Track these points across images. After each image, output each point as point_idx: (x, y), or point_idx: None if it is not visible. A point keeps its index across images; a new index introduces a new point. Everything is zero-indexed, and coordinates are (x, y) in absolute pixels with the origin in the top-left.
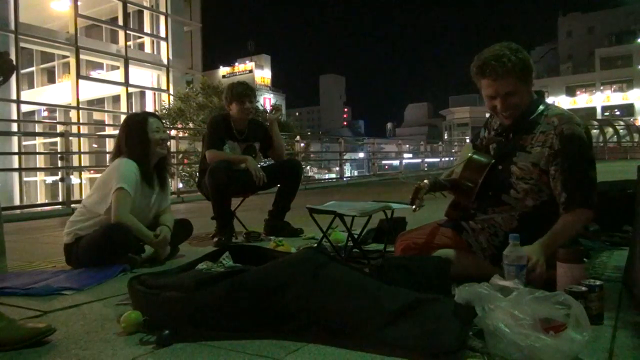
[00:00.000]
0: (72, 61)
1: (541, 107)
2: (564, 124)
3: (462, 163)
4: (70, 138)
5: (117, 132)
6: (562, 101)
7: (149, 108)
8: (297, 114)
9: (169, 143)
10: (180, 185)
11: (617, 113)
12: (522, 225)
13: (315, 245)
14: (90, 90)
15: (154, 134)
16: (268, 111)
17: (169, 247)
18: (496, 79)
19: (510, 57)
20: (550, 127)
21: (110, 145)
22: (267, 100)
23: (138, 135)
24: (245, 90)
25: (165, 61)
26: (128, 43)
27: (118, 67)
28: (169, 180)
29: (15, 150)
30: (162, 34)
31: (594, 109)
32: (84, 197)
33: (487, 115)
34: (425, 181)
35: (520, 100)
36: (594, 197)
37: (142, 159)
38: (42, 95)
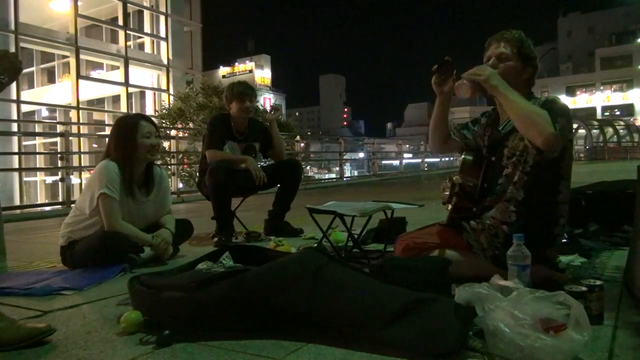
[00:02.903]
0: (72, 61)
1: (532, 100)
2: (548, 97)
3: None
4: (70, 138)
5: None
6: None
7: (149, 108)
8: (297, 114)
9: (168, 143)
10: (180, 185)
11: (617, 113)
12: (520, 217)
13: (315, 245)
14: (90, 90)
15: (144, 139)
16: (268, 111)
17: (171, 248)
18: (499, 41)
19: (521, 34)
20: (537, 102)
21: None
22: (267, 100)
23: (126, 139)
24: (245, 89)
25: (165, 61)
26: (128, 43)
27: (118, 67)
28: (166, 185)
29: (15, 150)
30: (162, 34)
31: (594, 109)
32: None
33: (487, 112)
34: (456, 177)
35: (509, 72)
36: (558, 130)
37: (126, 163)
38: (42, 95)
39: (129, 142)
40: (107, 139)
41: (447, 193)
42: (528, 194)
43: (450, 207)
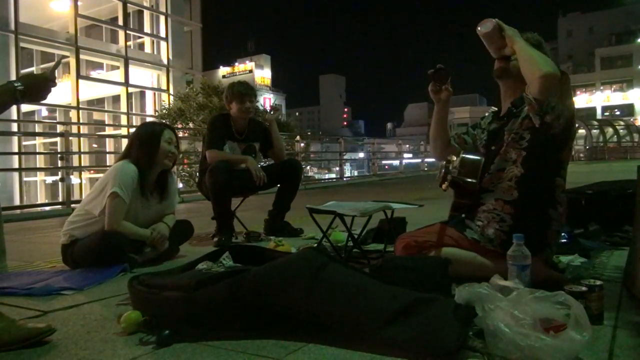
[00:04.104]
0: (72, 61)
1: None
2: None
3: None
4: (70, 138)
5: (117, 132)
6: None
7: (149, 108)
8: (297, 114)
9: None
10: (180, 185)
11: (617, 113)
12: (520, 193)
13: (315, 245)
14: (90, 90)
15: (165, 144)
16: (268, 111)
17: (167, 242)
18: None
19: (540, 38)
20: None
21: (110, 145)
22: (267, 100)
23: (149, 142)
24: (245, 90)
25: (165, 61)
26: (128, 43)
27: (118, 67)
28: (174, 189)
29: (15, 150)
30: (162, 34)
31: (594, 109)
32: (84, 197)
33: (486, 115)
34: (451, 158)
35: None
36: (560, 75)
37: (146, 165)
38: None
39: (153, 144)
40: (128, 141)
41: (441, 173)
42: (527, 169)
43: (445, 186)
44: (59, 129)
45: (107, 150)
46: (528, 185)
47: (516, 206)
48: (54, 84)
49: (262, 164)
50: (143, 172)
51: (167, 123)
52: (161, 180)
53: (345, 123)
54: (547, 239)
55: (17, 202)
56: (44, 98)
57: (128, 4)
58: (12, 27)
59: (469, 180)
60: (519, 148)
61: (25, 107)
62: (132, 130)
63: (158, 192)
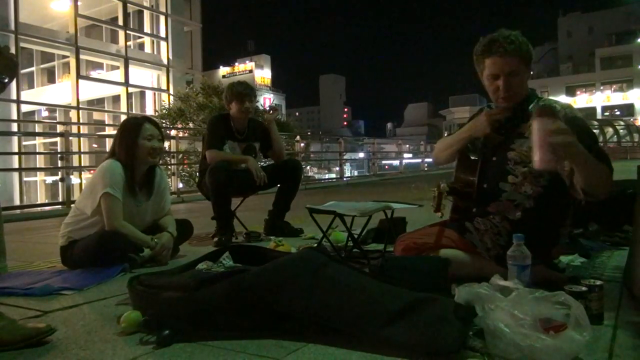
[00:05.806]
0: (72, 61)
1: (535, 100)
2: (566, 109)
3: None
4: (70, 138)
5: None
6: (562, 101)
7: (149, 108)
8: (297, 114)
9: (168, 143)
10: (180, 185)
11: (617, 113)
12: (524, 220)
13: (315, 245)
14: (90, 90)
15: (145, 141)
16: (267, 111)
17: (169, 254)
18: (503, 56)
19: (518, 37)
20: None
21: (110, 145)
22: (267, 100)
23: (128, 140)
24: (245, 90)
25: (165, 61)
26: (128, 43)
27: (118, 67)
28: (165, 186)
29: (15, 150)
30: (162, 34)
31: (594, 109)
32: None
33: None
34: (443, 184)
35: (520, 84)
36: (609, 162)
37: (129, 163)
38: (42, 95)
39: (131, 142)
40: (113, 139)
41: (434, 202)
42: (539, 204)
43: (440, 215)
44: (59, 129)
45: (107, 150)
46: (534, 215)
47: (515, 226)
48: (14, 54)
49: (262, 164)
50: (128, 169)
51: (149, 116)
52: (149, 176)
53: (345, 123)
54: (551, 253)
55: (17, 202)
56: (15, 68)
57: (128, 4)
58: (12, 27)
59: (467, 183)
60: (537, 185)
61: (25, 107)
62: None
63: (146, 188)
